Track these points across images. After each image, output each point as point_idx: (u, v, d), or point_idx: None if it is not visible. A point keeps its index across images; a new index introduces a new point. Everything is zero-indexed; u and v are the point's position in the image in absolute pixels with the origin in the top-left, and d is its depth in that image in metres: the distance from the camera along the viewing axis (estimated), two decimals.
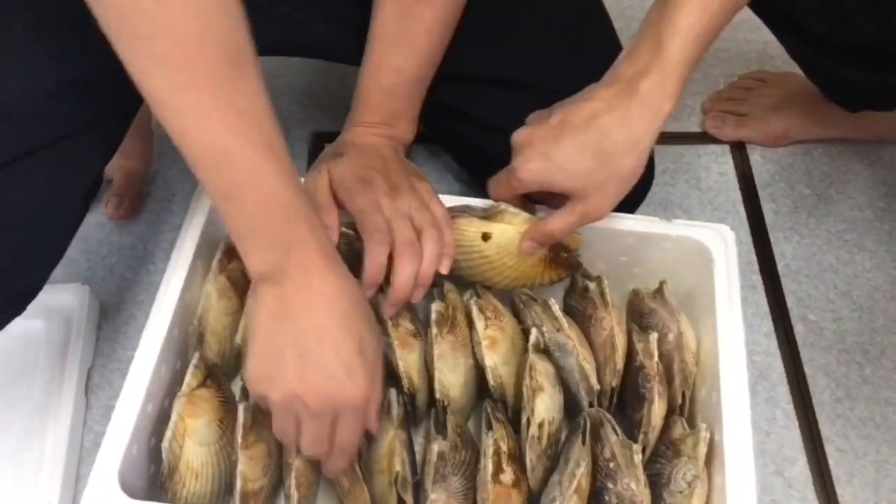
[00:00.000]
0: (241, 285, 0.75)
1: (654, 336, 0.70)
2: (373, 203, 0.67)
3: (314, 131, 1.02)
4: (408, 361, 0.71)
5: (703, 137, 1.03)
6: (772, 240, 0.94)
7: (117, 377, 0.84)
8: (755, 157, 1.02)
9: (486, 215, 0.72)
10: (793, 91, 1.02)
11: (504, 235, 0.72)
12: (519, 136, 0.68)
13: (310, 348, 0.56)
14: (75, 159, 0.63)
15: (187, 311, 0.72)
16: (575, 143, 0.65)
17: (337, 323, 0.57)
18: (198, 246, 0.72)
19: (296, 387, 0.57)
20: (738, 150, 1.02)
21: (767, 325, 0.88)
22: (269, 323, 0.58)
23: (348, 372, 0.57)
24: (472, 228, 0.72)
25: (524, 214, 0.71)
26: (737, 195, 0.98)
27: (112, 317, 0.87)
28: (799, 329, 0.88)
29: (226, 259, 0.75)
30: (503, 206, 0.71)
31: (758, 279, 0.91)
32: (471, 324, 0.73)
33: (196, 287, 0.73)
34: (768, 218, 0.96)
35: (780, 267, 0.92)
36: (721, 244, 0.74)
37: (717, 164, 1.01)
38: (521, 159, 0.67)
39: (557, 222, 0.69)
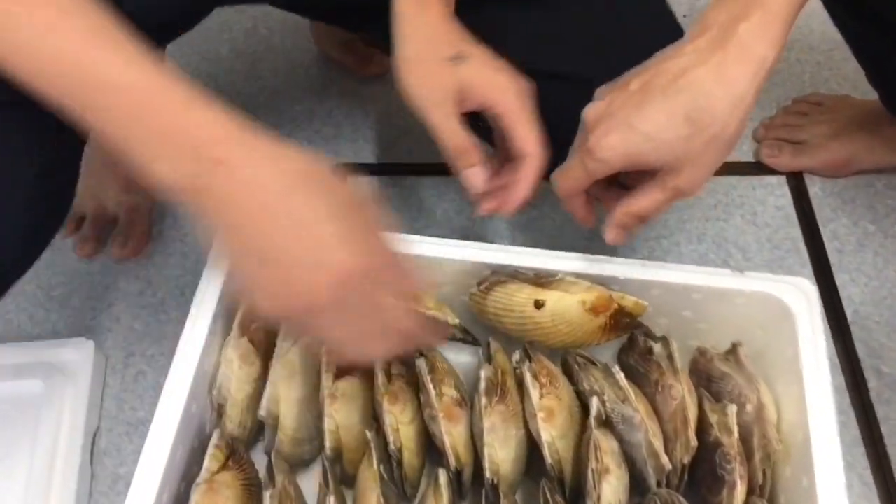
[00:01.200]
0: (264, 348, 0.67)
1: (732, 409, 0.62)
2: None
3: (337, 162, 0.94)
4: (454, 436, 0.63)
5: (758, 168, 0.95)
6: (837, 283, 0.87)
7: (125, 441, 0.76)
8: (814, 189, 0.94)
9: (540, 282, 0.64)
10: (853, 115, 0.94)
11: (560, 303, 0.64)
12: (591, 110, 0.57)
13: (269, 247, 0.44)
14: (18, 129, 0.52)
15: (205, 379, 0.64)
16: (664, 106, 0.54)
17: (282, 202, 0.44)
18: (217, 306, 0.65)
19: (280, 295, 0.46)
20: (796, 181, 0.94)
21: (837, 378, 0.80)
22: (225, 243, 0.46)
23: (323, 246, 0.45)
24: (522, 295, 0.64)
25: (584, 283, 0.63)
26: (797, 232, 0.90)
27: (119, 373, 0.80)
28: (872, 383, 0.80)
29: (248, 319, 0.67)
30: (560, 274, 0.63)
31: (825, 327, 0.83)
32: (522, 390, 0.65)
33: (215, 351, 0.66)
34: (832, 258, 0.88)
35: (849, 313, 0.85)
36: (802, 301, 0.66)
37: (774, 197, 0.93)
38: (598, 134, 0.56)
39: (645, 200, 0.58)
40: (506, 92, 0.61)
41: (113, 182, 0.86)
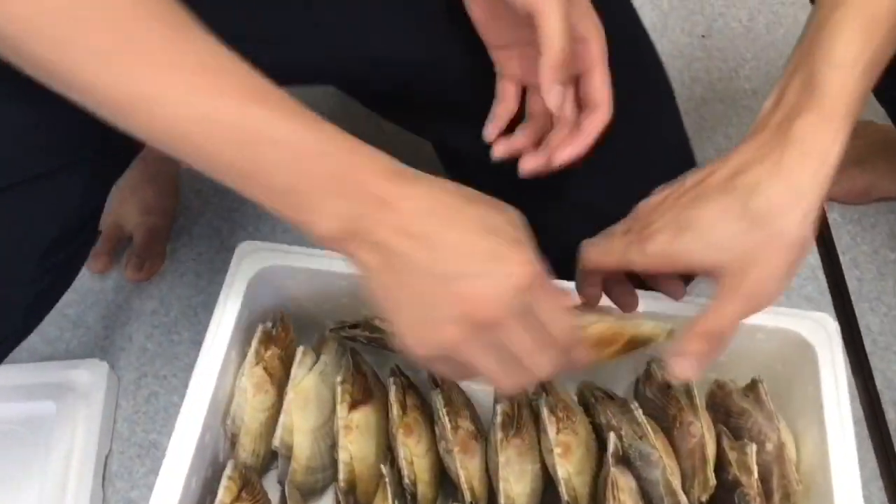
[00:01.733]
0: (278, 377, 0.67)
1: (752, 448, 0.61)
2: None
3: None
4: (469, 470, 0.63)
5: None
6: (856, 312, 0.86)
7: (137, 464, 0.76)
8: (834, 215, 0.93)
9: None
10: (874, 141, 0.93)
11: None
12: (645, 204, 0.55)
13: (436, 267, 0.44)
14: (31, 207, 0.52)
15: (219, 409, 0.64)
16: (718, 203, 0.50)
17: (441, 225, 0.45)
18: (233, 334, 0.64)
19: (452, 315, 0.44)
20: None
21: (855, 410, 0.80)
22: (381, 284, 0.46)
23: (492, 257, 0.45)
24: None
25: (608, 320, 0.61)
26: (815, 259, 0.89)
27: (132, 394, 0.79)
28: (891, 416, 0.79)
29: (263, 347, 0.66)
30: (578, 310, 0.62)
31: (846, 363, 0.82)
32: (538, 423, 0.65)
33: (229, 380, 0.65)
34: (851, 286, 0.87)
35: (867, 343, 0.84)
36: (824, 337, 0.65)
37: None
38: (650, 228, 0.53)
39: (721, 316, 0.51)
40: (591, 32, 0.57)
41: (133, 202, 0.85)
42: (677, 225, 0.52)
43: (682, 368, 0.52)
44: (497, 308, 0.44)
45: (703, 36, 1.06)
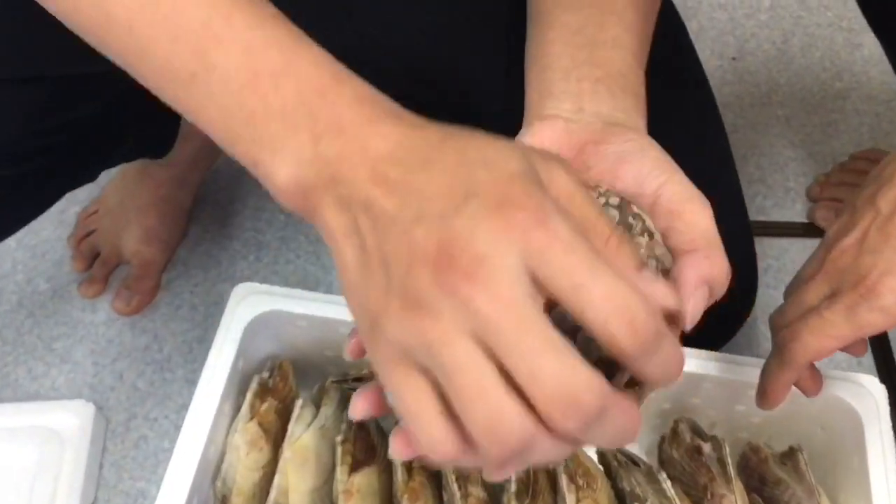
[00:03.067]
0: (274, 432, 0.61)
1: None
2: None
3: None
4: None
5: (811, 229, 0.88)
6: None
7: None
8: None
9: None
10: None
11: None
12: (831, 249, 0.46)
13: (402, 214, 0.31)
14: None
15: (208, 469, 0.59)
16: None
17: (420, 164, 0.32)
18: (226, 386, 0.59)
19: (419, 280, 0.29)
20: None
21: None
22: (348, 262, 0.32)
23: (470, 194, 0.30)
24: None
25: None
26: None
27: (120, 436, 0.74)
28: None
29: (258, 400, 0.61)
30: None
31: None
32: (555, 490, 0.59)
33: (221, 434, 0.60)
34: (892, 334, 0.82)
35: None
36: (870, 404, 0.60)
37: None
38: (866, 279, 0.44)
39: None
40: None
41: (135, 227, 0.81)
42: None
43: None
44: (481, 259, 0.29)
45: (733, 58, 1.01)
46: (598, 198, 0.39)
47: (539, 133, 0.43)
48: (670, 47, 0.63)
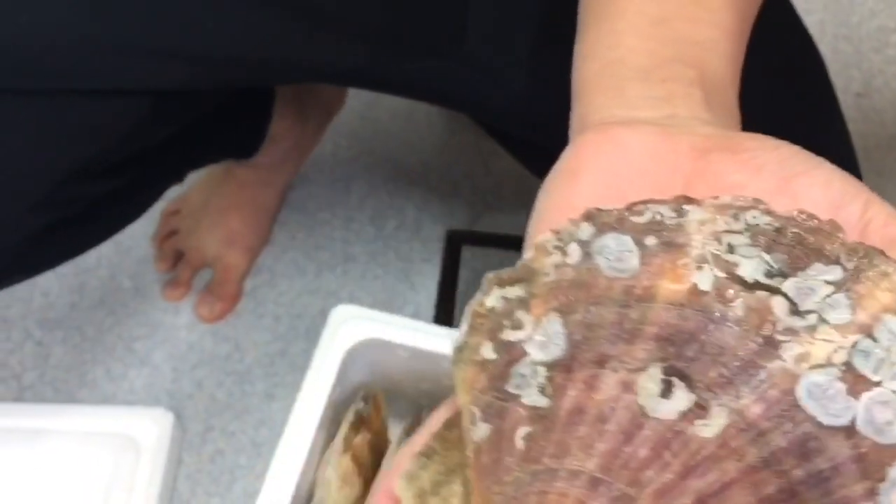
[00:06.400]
0: (366, 466, 0.58)
1: None
2: None
3: (451, 228, 0.85)
4: None
5: None
6: None
7: None
8: None
9: None
10: None
11: None
12: None
13: None
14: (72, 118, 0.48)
15: (301, 500, 0.56)
16: None
17: None
18: (322, 414, 0.56)
19: None
20: None
21: None
22: None
23: None
24: None
25: None
26: None
27: (196, 449, 0.72)
28: None
29: (353, 432, 0.58)
30: None
31: None
32: None
33: (312, 467, 0.57)
34: None
35: None
36: None
37: None
38: None
39: None
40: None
41: (219, 229, 0.78)
42: None
43: None
44: None
45: (858, 94, 0.95)
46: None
47: (621, 140, 0.27)
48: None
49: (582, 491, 0.21)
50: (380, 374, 0.63)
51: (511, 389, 0.22)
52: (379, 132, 0.92)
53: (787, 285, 0.21)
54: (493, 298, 0.23)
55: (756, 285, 0.21)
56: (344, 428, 0.58)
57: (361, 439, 0.58)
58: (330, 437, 0.59)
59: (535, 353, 0.22)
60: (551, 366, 0.22)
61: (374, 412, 0.61)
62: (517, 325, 0.23)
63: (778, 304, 0.20)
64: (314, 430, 0.55)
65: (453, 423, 0.25)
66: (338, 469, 0.57)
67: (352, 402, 0.61)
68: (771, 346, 0.20)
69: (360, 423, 0.59)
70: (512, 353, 0.23)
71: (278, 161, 0.80)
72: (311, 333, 0.79)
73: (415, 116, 0.94)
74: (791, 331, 0.20)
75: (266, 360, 0.77)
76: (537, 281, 0.23)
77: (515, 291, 0.23)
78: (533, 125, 0.54)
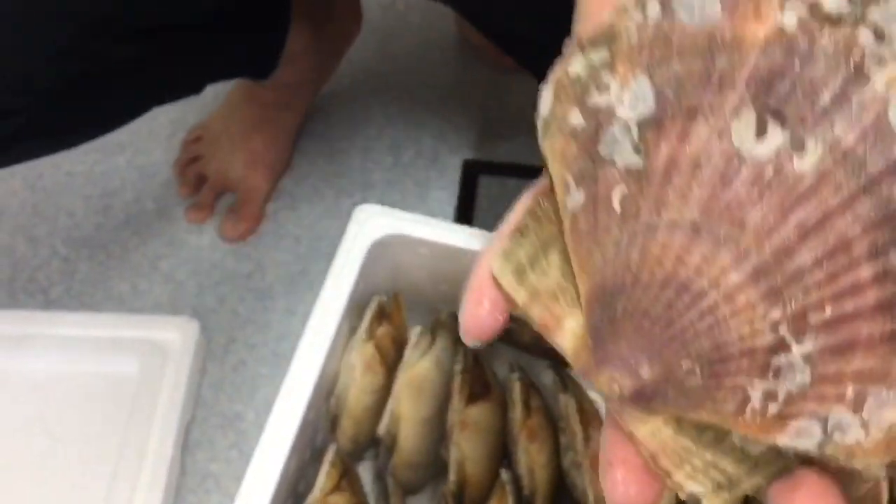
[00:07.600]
0: (390, 356, 0.60)
1: None
2: None
3: (467, 158, 0.86)
4: (599, 489, 0.55)
5: None
6: None
7: (219, 434, 0.70)
8: None
9: None
10: None
11: None
12: None
13: None
14: None
15: (325, 384, 0.57)
16: None
17: None
18: (347, 303, 0.58)
19: None
20: None
21: None
22: None
23: None
24: None
25: None
26: None
27: (219, 359, 0.74)
28: None
29: (376, 323, 0.60)
30: None
31: None
32: None
33: (336, 354, 0.59)
34: None
35: None
36: None
37: None
38: None
39: None
40: None
41: (242, 152, 0.80)
42: None
43: None
44: None
45: None
46: None
47: None
48: None
49: (684, 239, 0.21)
50: (399, 274, 0.64)
51: (604, 153, 0.22)
52: (396, 67, 0.94)
53: (872, 13, 0.21)
54: (576, 65, 0.23)
55: (840, 18, 0.21)
56: (367, 317, 0.60)
57: (384, 331, 0.60)
58: (352, 332, 0.61)
59: (625, 114, 0.22)
60: (642, 124, 0.22)
61: (395, 309, 0.62)
62: (604, 89, 0.22)
63: (864, 34, 0.20)
64: (339, 318, 0.57)
65: (544, 197, 0.25)
66: (362, 355, 0.58)
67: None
68: (861, 74, 0.20)
69: (382, 315, 0.60)
70: (601, 117, 0.22)
71: (297, 82, 0.81)
72: (331, 255, 0.80)
73: (429, 54, 0.95)
74: (879, 58, 0.20)
75: (286, 279, 0.78)
76: (620, 41, 0.22)
77: (599, 54, 0.23)
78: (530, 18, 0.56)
